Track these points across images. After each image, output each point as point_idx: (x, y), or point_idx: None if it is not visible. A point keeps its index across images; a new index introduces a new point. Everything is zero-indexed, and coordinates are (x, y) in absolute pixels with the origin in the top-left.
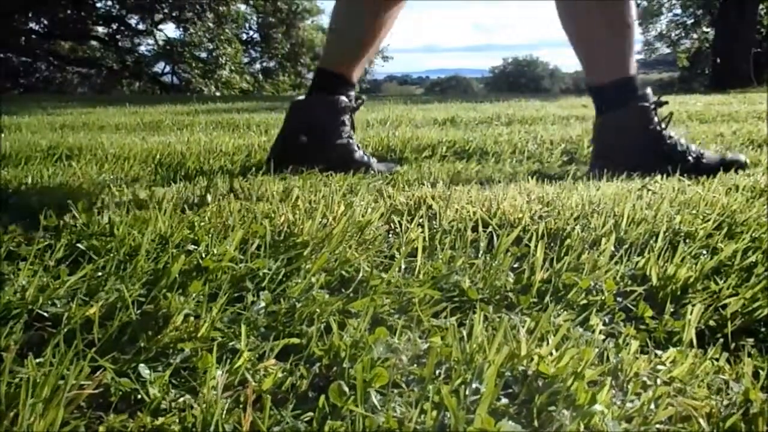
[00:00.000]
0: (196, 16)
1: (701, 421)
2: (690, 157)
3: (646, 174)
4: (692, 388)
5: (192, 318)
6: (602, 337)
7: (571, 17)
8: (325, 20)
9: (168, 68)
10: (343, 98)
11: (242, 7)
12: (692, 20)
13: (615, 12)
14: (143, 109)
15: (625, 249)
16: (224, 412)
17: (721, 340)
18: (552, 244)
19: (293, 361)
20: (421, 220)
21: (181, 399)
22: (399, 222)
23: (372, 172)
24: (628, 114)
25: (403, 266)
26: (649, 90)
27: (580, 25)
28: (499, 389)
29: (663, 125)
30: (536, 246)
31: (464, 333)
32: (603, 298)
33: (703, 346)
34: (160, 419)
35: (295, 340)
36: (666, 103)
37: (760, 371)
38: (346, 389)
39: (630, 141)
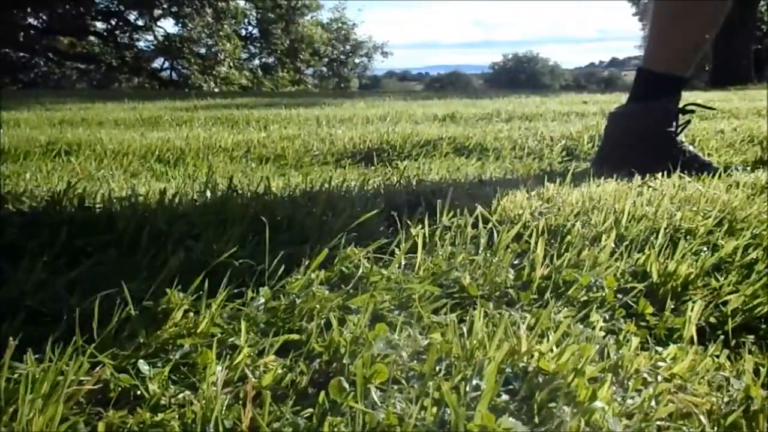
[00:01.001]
0: (195, 11)
1: (702, 418)
2: (696, 165)
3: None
4: (693, 385)
5: (191, 314)
6: (602, 333)
7: None
8: (324, 16)
9: (167, 64)
10: None
11: (241, 2)
12: None
13: (699, 9)
14: (142, 105)
15: (626, 246)
16: (224, 408)
17: (722, 336)
18: (552, 241)
19: (293, 357)
20: (421, 216)
21: (181, 395)
22: (399, 218)
23: None
24: (646, 111)
25: (403, 262)
26: (680, 94)
27: (659, 6)
28: (500, 386)
29: (677, 130)
30: (536, 242)
31: (464, 329)
32: (603, 294)
33: (704, 342)
34: (160, 415)
35: (295, 336)
36: (693, 111)
37: (761, 368)
38: (346, 385)
39: (640, 139)
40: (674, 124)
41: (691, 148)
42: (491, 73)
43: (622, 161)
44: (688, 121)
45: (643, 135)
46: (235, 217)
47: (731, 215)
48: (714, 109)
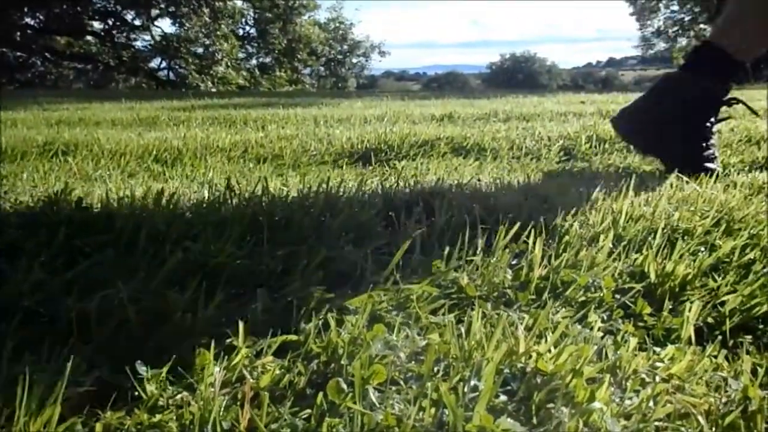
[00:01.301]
0: (193, 11)
1: (700, 418)
2: (708, 166)
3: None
4: (691, 386)
5: (189, 314)
6: (601, 334)
7: None
8: (321, 15)
9: (164, 64)
10: None
11: (238, 2)
12: (689, 17)
13: None
14: (139, 105)
15: (624, 246)
16: (222, 409)
17: (720, 337)
18: (550, 241)
19: (291, 358)
20: (418, 216)
21: (179, 396)
22: (397, 218)
23: None
24: (693, 86)
25: (401, 263)
26: (729, 81)
27: None
28: (498, 386)
29: (713, 118)
30: (534, 243)
31: (462, 330)
32: (601, 295)
33: (702, 343)
34: (158, 416)
35: (293, 337)
36: (735, 101)
37: (759, 368)
38: (344, 386)
39: (671, 110)
40: (713, 109)
41: (715, 141)
42: (489, 72)
43: (644, 132)
44: (729, 117)
45: (674, 108)
46: (233, 217)
47: (729, 215)
48: (757, 113)
